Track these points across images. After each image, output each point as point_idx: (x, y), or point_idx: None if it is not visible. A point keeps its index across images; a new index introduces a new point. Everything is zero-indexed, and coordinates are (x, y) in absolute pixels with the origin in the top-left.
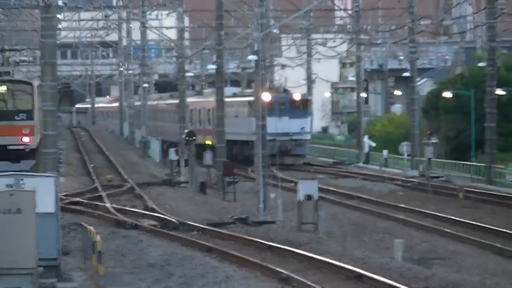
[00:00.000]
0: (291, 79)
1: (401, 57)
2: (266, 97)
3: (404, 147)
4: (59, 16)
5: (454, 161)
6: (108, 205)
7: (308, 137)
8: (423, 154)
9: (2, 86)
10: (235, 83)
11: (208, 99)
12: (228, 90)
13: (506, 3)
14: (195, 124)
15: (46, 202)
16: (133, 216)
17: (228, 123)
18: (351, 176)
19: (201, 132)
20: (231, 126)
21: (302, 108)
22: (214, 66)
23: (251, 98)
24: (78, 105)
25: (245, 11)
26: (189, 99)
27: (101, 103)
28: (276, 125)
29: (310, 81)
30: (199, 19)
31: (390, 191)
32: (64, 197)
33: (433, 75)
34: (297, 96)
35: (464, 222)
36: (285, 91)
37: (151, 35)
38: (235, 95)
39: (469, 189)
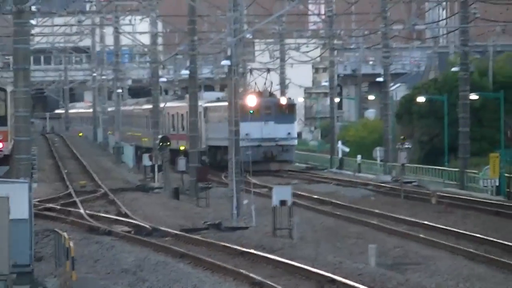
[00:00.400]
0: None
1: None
2: (251, 101)
3: (378, 152)
4: (32, 22)
5: (427, 166)
6: (81, 211)
7: (295, 142)
8: (396, 159)
9: None
10: (208, 88)
11: (184, 104)
12: (211, 94)
13: (479, 7)
14: (171, 129)
15: (20, 208)
16: (106, 222)
17: (211, 128)
18: (324, 182)
19: (176, 137)
20: (214, 131)
21: (288, 112)
22: (187, 71)
23: None
24: (57, 111)
25: (218, 16)
26: (168, 104)
27: (81, 108)
28: (262, 130)
29: (283, 86)
30: (173, 24)
31: (363, 196)
32: (37, 203)
33: (406, 80)
34: (283, 101)
35: (437, 227)
36: (271, 95)
37: (124, 40)
38: (218, 99)
39: (442, 194)
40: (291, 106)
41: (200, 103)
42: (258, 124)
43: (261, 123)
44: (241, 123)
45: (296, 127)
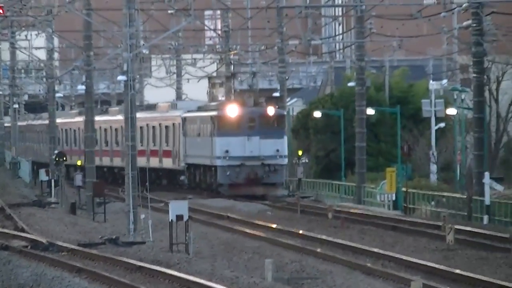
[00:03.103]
0: (160, 99)
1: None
2: (232, 111)
3: None
4: None
5: (324, 181)
6: None
7: (285, 161)
8: (293, 174)
9: None
10: (105, 103)
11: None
12: (191, 104)
13: (375, 23)
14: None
15: None
16: (3, 237)
17: (190, 143)
18: (220, 197)
19: (77, 153)
20: (193, 147)
21: (277, 125)
22: (83, 87)
23: (214, 113)
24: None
25: (114, 32)
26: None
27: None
28: (245, 146)
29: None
30: (69, 39)
31: (260, 211)
32: None
33: (303, 95)
34: (270, 111)
35: (334, 241)
36: (257, 104)
37: (20, 56)
38: (199, 109)
39: (338, 208)
40: (280, 117)
41: (178, 113)
42: (240, 139)
43: (244, 138)
44: (219, 138)
45: (286, 142)
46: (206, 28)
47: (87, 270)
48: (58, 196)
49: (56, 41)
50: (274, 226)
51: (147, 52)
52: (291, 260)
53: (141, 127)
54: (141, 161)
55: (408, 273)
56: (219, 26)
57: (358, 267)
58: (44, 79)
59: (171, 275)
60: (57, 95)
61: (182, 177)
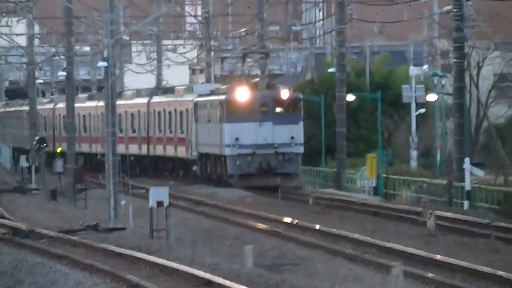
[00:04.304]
0: (141, 85)
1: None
2: (242, 95)
3: None
4: None
5: (305, 167)
6: None
7: (301, 150)
8: None
9: None
10: (85, 89)
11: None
12: (204, 87)
13: (356, 8)
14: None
15: None
16: None
17: (201, 130)
18: (202, 183)
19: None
20: (204, 134)
21: (292, 110)
22: (64, 73)
23: (223, 97)
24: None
25: (95, 18)
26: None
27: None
28: (256, 133)
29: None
30: (49, 25)
31: (240, 197)
32: None
33: (283, 81)
34: (284, 94)
35: (315, 228)
36: (269, 86)
37: (1, 42)
38: (212, 92)
39: (319, 194)
40: (295, 101)
41: (191, 97)
42: (251, 125)
43: (255, 124)
44: (228, 124)
45: (301, 129)
46: (186, 14)
47: (67, 256)
48: (38, 183)
49: (36, 28)
50: (254, 212)
51: (127, 38)
52: (271, 246)
53: (159, 112)
54: (159, 150)
55: (389, 259)
56: (199, 12)
57: (338, 253)
58: (25, 66)
59: (151, 261)
60: (38, 81)
61: (194, 167)
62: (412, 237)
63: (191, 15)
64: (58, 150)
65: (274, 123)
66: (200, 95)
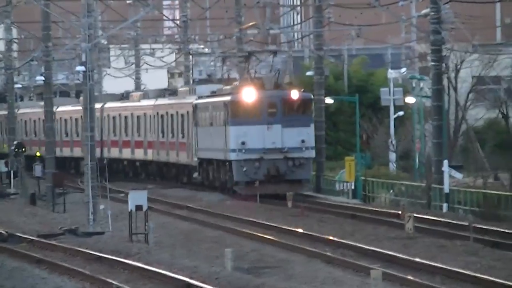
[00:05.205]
0: (119, 89)
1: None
2: (249, 95)
3: None
4: None
5: None
6: None
7: (312, 154)
8: None
9: None
10: (64, 94)
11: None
12: (205, 88)
13: (333, 12)
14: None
15: None
16: None
17: (202, 134)
18: (181, 186)
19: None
20: (206, 139)
21: (302, 112)
22: (42, 78)
23: (228, 98)
24: None
25: (72, 22)
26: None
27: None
28: (264, 137)
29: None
30: (27, 30)
31: (220, 200)
32: None
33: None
34: (294, 94)
35: (294, 230)
36: (278, 86)
37: None
38: (213, 93)
39: (298, 197)
40: (306, 101)
41: (192, 99)
42: (258, 128)
43: (263, 127)
44: (233, 127)
45: (313, 132)
46: (164, 18)
47: (46, 260)
48: (17, 187)
49: (14, 32)
50: (233, 215)
51: (105, 42)
52: (250, 249)
53: (161, 116)
54: (162, 155)
55: (368, 261)
56: (177, 16)
57: (317, 255)
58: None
59: (130, 265)
60: (16, 86)
61: (195, 174)
62: (391, 240)
63: (169, 19)
64: (38, 154)
65: (283, 126)
66: (200, 97)
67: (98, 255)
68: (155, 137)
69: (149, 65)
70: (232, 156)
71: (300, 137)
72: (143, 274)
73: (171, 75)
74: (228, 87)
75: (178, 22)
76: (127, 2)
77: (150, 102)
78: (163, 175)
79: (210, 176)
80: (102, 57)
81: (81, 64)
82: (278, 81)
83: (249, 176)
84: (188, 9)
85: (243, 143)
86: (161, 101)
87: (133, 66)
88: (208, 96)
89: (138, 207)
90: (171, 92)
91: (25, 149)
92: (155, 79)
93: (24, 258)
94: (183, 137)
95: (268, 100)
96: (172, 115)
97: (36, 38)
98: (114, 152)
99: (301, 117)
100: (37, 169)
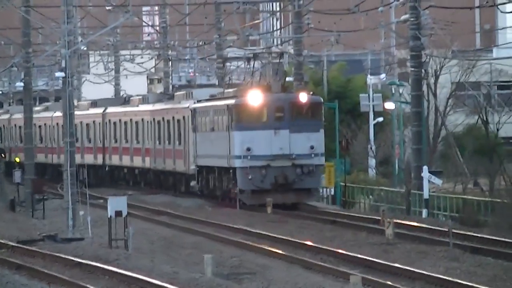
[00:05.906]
0: (99, 95)
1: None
2: (255, 99)
3: None
4: None
5: None
6: None
7: (322, 161)
8: None
9: None
10: (43, 100)
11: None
12: (203, 92)
13: (313, 18)
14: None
15: None
16: None
17: (201, 140)
18: (161, 192)
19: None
20: (205, 145)
21: (311, 116)
22: (22, 84)
23: (231, 101)
24: None
25: (52, 28)
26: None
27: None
28: (271, 142)
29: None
30: (7, 36)
31: (199, 206)
32: None
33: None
34: (303, 97)
35: (273, 236)
36: (285, 89)
37: None
38: (212, 97)
39: (278, 203)
40: (315, 105)
41: (188, 103)
42: (265, 133)
43: (270, 132)
44: (238, 132)
45: (322, 137)
46: (144, 24)
47: (26, 266)
48: None
49: None
50: (213, 221)
51: (85, 49)
52: (230, 255)
53: (158, 122)
54: (159, 163)
55: (347, 267)
56: (157, 22)
57: (297, 261)
58: None
59: (110, 271)
60: None
61: (192, 183)
62: (370, 245)
63: (148, 25)
64: (17, 159)
65: (291, 131)
66: (198, 101)
67: (77, 261)
68: (152, 144)
69: (129, 71)
70: (237, 163)
71: (309, 143)
72: (122, 280)
73: (151, 81)
74: (230, 90)
75: (157, 28)
76: (107, 8)
77: (148, 107)
78: (161, 184)
79: (211, 185)
80: (81, 63)
81: (61, 70)
82: (285, 84)
83: (255, 185)
84: (168, 15)
85: (248, 149)
86: (158, 106)
87: (113, 72)
88: (207, 100)
89: (118, 213)
90: (169, 96)
91: (5, 155)
92: (135, 85)
93: (4, 264)
94: (179, 144)
95: (275, 104)
96: (168, 121)
97: (16, 44)
98: (115, 159)
99: (310, 121)
100: (17, 175)
